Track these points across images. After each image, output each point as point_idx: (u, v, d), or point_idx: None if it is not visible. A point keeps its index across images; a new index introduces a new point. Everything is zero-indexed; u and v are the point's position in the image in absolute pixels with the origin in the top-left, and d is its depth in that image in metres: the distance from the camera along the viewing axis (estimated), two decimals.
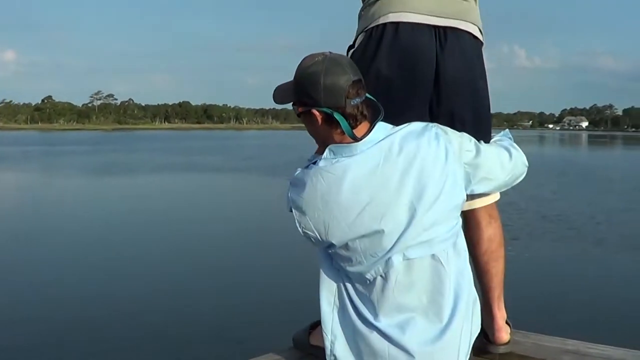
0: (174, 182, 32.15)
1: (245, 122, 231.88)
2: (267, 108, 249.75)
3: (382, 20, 2.63)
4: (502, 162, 2.55)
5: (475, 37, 2.78)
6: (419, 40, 2.60)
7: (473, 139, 2.48)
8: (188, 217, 19.54)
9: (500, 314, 2.85)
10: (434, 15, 2.62)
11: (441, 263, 2.27)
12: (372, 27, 2.67)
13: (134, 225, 17.84)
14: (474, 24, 2.77)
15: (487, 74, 2.87)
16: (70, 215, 20.04)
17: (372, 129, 2.32)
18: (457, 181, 2.33)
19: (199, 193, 27.73)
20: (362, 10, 2.79)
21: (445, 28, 2.64)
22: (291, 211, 2.40)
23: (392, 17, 2.61)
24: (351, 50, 2.76)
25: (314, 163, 2.36)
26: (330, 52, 2.35)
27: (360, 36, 2.74)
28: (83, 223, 18.21)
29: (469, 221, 2.81)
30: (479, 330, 2.41)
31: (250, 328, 8.58)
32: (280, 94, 2.47)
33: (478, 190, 2.48)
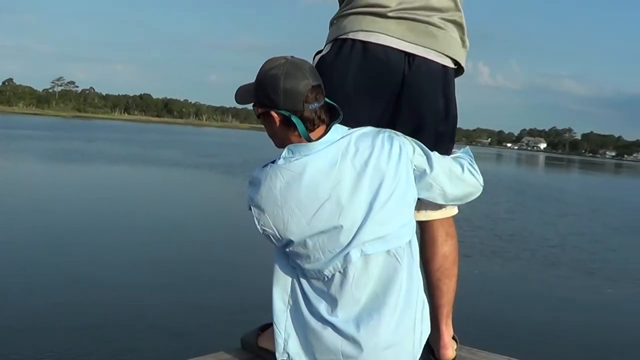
0: (132, 174, 31.88)
1: (204, 118, 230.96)
2: (228, 106, 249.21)
3: (351, 36, 2.63)
4: (452, 173, 2.57)
5: (446, 66, 2.75)
6: (387, 59, 2.60)
7: (426, 148, 2.51)
8: (145, 211, 19.40)
9: (448, 331, 2.86)
10: (405, 41, 2.62)
11: (397, 259, 2.31)
12: (342, 39, 2.66)
13: (87, 216, 17.50)
14: (448, 56, 2.73)
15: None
16: (19, 201, 19.66)
17: (328, 130, 2.38)
18: (409, 180, 2.40)
19: (157, 187, 27.60)
20: (334, 18, 2.77)
21: (414, 55, 2.66)
22: (250, 209, 2.42)
23: (362, 36, 2.62)
24: (319, 55, 2.74)
25: (273, 162, 2.40)
26: (292, 57, 2.40)
27: (329, 45, 2.73)
28: (32, 210, 17.91)
29: (425, 236, 2.82)
30: (428, 333, 2.46)
31: (202, 326, 8.48)
32: (241, 94, 2.51)
33: (422, 195, 2.51)
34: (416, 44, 2.62)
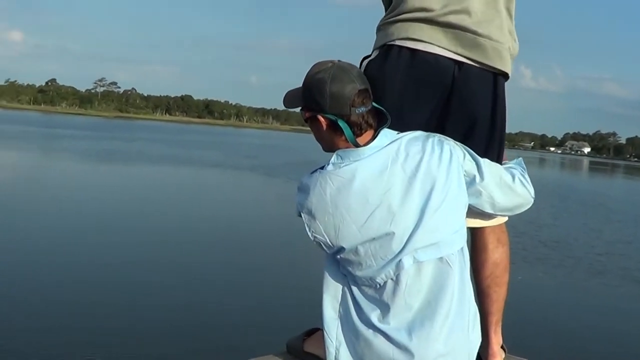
0: (173, 174, 32.13)
1: (245, 120, 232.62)
2: (269, 108, 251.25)
3: (399, 43, 2.61)
4: (503, 182, 2.53)
5: (496, 73, 2.68)
6: (436, 62, 2.57)
7: (476, 154, 2.49)
8: (184, 212, 19.42)
9: (496, 339, 2.84)
10: (453, 52, 2.58)
11: (449, 266, 2.28)
12: (390, 45, 2.62)
13: (128, 216, 17.62)
14: (497, 68, 2.65)
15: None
16: (62, 199, 19.84)
17: (377, 135, 2.36)
18: (461, 185, 2.37)
19: (197, 188, 27.65)
20: (381, 24, 2.72)
21: (463, 62, 2.61)
22: (300, 216, 2.40)
23: (410, 44, 2.59)
24: (366, 61, 2.70)
25: (322, 168, 2.38)
26: (339, 61, 2.38)
27: (377, 50, 2.69)
28: (74, 208, 18.07)
29: (476, 243, 2.79)
30: (479, 342, 2.43)
31: (248, 330, 8.43)
32: (289, 98, 2.50)
33: (470, 202, 2.46)
34: (464, 56, 2.58)
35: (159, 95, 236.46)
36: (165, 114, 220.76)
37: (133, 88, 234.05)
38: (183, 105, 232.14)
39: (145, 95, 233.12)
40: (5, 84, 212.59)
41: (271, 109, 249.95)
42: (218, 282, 11.13)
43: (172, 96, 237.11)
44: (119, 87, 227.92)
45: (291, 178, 34.05)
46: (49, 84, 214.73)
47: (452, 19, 2.54)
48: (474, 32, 2.58)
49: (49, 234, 13.88)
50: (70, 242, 13.26)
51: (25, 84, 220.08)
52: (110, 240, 13.81)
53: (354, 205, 2.27)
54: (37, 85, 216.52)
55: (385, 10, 2.75)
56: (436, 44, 2.54)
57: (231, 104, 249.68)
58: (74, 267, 11.18)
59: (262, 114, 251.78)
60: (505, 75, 2.72)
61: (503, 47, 2.65)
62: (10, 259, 11.38)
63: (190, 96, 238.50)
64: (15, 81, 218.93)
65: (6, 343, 7.54)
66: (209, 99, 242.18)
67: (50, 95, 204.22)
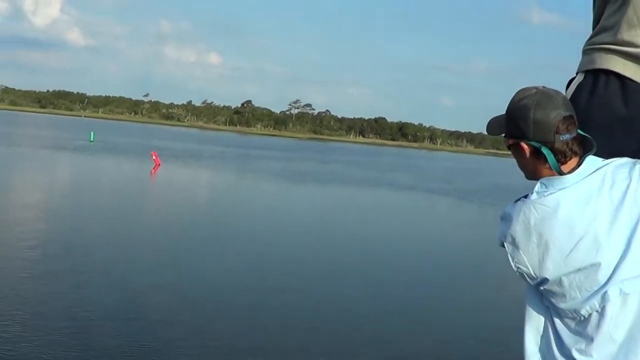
0: (365, 197, 32.51)
1: (439, 143, 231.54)
2: (462, 131, 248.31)
3: (605, 71, 2.51)
4: None
5: None
6: None
7: None
8: (374, 234, 19.64)
9: None
10: None
11: None
12: (596, 70, 2.53)
13: (317, 236, 18.10)
14: None
15: None
16: (253, 218, 20.63)
17: (582, 162, 2.28)
18: None
19: (388, 210, 27.84)
20: (587, 47, 2.63)
21: None
22: (503, 246, 2.35)
23: (617, 74, 2.49)
24: (572, 85, 2.62)
25: (525, 197, 2.32)
26: (543, 87, 2.32)
27: (582, 74, 2.60)
28: (264, 227, 18.75)
29: None
30: None
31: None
32: (492, 125, 2.48)
33: None
34: None
35: (352, 117, 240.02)
36: (358, 136, 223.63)
37: (327, 110, 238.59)
38: (377, 128, 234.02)
39: (339, 117, 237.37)
40: (203, 105, 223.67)
41: (465, 132, 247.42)
42: (416, 307, 11.18)
43: (366, 118, 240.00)
44: (314, 109, 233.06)
45: (485, 203, 33.65)
46: (245, 105, 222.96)
47: None
48: None
49: (241, 253, 14.51)
50: (266, 260, 13.76)
51: (222, 105, 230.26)
52: (301, 256, 14.38)
53: (559, 235, 2.20)
54: (234, 106, 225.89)
55: (592, 29, 2.67)
56: None
57: (425, 126, 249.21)
58: (270, 282, 11.64)
59: (456, 137, 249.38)
60: None
61: None
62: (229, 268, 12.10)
63: (384, 118, 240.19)
64: (212, 102, 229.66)
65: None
66: (402, 121, 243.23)
67: (246, 116, 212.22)
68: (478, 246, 18.61)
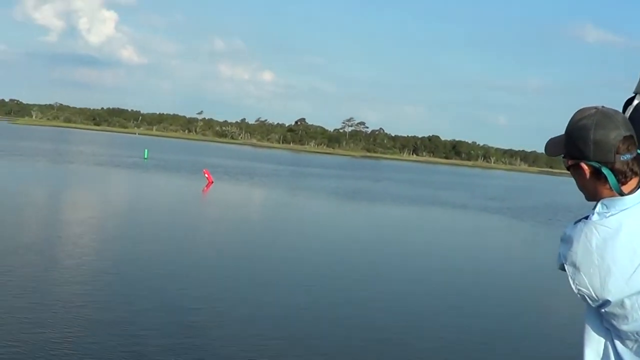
0: (416, 214, 32.57)
1: (492, 161, 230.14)
2: (516, 149, 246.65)
3: None
4: None
5: None
6: None
7: None
8: (424, 252, 19.68)
9: None
10: None
11: None
12: None
13: (371, 256, 18.04)
14: None
15: None
16: (307, 236, 20.80)
17: None
18: None
19: (440, 228, 27.83)
20: None
21: None
22: (562, 269, 2.31)
23: None
24: (631, 106, 2.57)
25: (585, 218, 2.28)
26: (603, 107, 2.30)
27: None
28: (319, 245, 18.95)
29: None
30: None
31: None
32: (551, 146, 2.44)
33: None
34: None
35: (406, 135, 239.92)
36: (412, 154, 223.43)
37: (381, 128, 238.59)
38: (430, 146, 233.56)
39: (393, 135, 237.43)
40: (256, 122, 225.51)
41: (519, 150, 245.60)
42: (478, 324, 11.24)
43: (420, 136, 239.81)
44: (367, 127, 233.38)
45: (539, 222, 33.37)
46: (298, 123, 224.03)
47: None
48: None
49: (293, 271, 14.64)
50: (323, 278, 13.94)
51: (275, 123, 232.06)
52: (354, 275, 14.38)
53: (621, 257, 2.15)
54: (287, 124, 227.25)
55: None
56: None
57: (478, 144, 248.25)
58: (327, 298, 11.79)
59: (510, 155, 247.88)
60: None
61: None
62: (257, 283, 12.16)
63: (438, 136, 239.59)
64: (266, 120, 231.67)
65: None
66: (456, 139, 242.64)
67: (299, 134, 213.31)
68: (537, 265, 18.61)
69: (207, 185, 34.79)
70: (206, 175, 36.80)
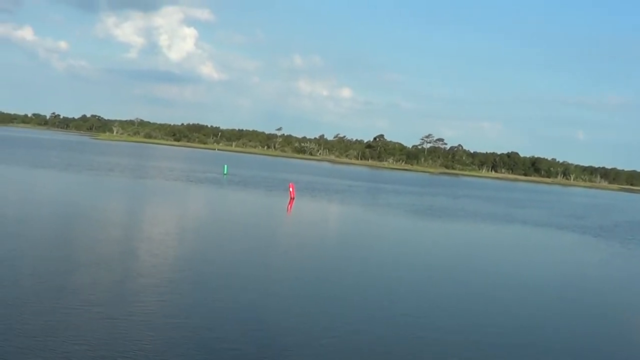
0: (493, 232, 32.63)
1: (572, 178, 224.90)
2: (596, 166, 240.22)
3: None
4: None
5: None
6: None
7: None
8: (500, 269, 20.12)
9: None
10: None
11: None
12: None
13: (450, 273, 18.63)
14: None
15: None
16: (392, 253, 21.33)
17: None
18: None
19: (517, 245, 27.99)
20: None
21: None
22: None
23: None
24: None
25: None
26: None
27: None
28: (403, 262, 19.55)
29: None
30: None
31: None
32: None
33: None
34: None
35: (485, 152, 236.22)
36: (491, 170, 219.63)
37: (459, 145, 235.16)
38: (509, 163, 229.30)
39: (472, 151, 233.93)
40: (335, 139, 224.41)
41: (599, 167, 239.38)
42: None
43: (499, 153, 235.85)
44: (446, 144, 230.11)
45: (622, 240, 33.18)
46: (377, 139, 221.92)
47: None
48: None
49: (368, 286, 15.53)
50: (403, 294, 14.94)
51: (354, 139, 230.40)
52: (434, 293, 15.29)
53: None
54: (365, 140, 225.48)
55: None
56: None
57: (558, 161, 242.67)
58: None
59: (590, 172, 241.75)
60: None
61: None
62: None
63: (517, 153, 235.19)
64: (344, 136, 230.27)
65: None
66: (535, 156, 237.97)
67: (377, 150, 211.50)
68: (619, 284, 19.30)
69: (290, 201, 35.09)
70: (290, 189, 37.03)
